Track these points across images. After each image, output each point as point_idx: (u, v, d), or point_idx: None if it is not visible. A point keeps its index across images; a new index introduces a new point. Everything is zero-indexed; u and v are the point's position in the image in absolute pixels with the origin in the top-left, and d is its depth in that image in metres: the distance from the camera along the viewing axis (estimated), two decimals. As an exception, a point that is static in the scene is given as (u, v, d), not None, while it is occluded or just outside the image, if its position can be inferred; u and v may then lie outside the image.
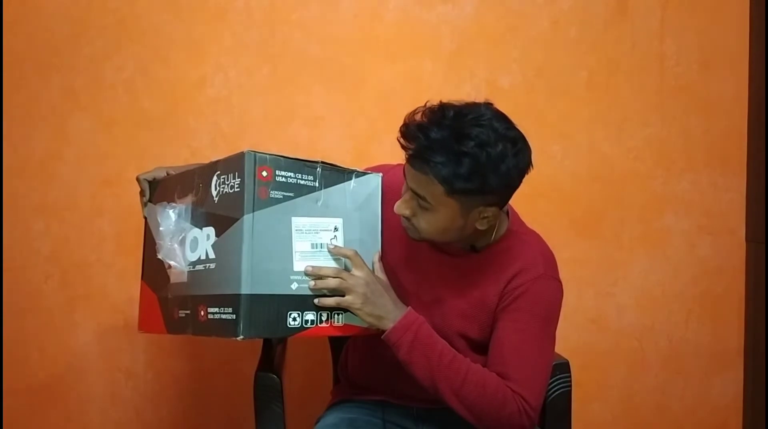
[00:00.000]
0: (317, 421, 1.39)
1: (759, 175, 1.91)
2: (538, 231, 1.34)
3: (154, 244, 1.30)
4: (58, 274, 1.85)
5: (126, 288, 1.84)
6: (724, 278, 1.97)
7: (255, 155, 1.12)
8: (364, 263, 1.19)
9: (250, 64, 1.84)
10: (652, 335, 1.97)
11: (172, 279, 1.26)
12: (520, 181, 1.18)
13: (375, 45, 1.87)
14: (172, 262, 1.25)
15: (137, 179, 1.38)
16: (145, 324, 1.39)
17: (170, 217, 1.26)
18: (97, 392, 1.87)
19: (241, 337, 1.10)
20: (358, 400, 1.40)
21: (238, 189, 1.13)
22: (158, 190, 1.35)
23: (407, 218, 1.20)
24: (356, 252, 1.19)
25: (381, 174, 1.28)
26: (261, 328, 1.12)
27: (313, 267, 1.16)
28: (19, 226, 1.83)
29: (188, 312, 1.21)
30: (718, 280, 1.97)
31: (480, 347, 1.26)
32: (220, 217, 1.16)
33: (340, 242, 1.20)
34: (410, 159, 1.14)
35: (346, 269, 1.18)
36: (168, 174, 1.35)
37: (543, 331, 1.22)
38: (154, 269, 1.32)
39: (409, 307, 1.20)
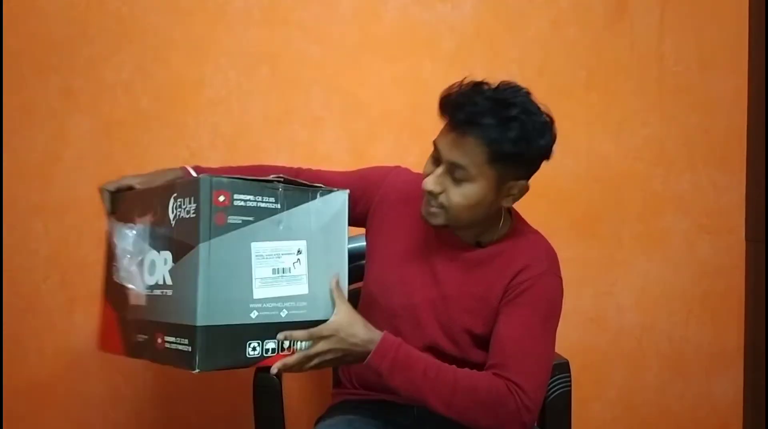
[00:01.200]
0: (317, 422, 1.39)
1: (758, 174, 1.91)
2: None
3: (116, 258, 1.26)
4: (57, 274, 1.85)
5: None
6: (724, 278, 1.97)
7: (211, 180, 1.08)
8: (323, 328, 1.15)
9: (249, 65, 1.84)
10: (652, 335, 1.97)
11: (131, 301, 1.22)
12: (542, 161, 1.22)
13: (374, 45, 1.87)
14: (129, 285, 1.21)
15: (99, 190, 1.32)
16: (105, 343, 1.33)
17: (128, 238, 1.22)
18: (96, 393, 1.87)
19: (197, 370, 1.06)
20: (358, 401, 1.40)
21: (194, 215, 1.08)
22: (122, 204, 1.30)
23: (435, 196, 1.19)
24: (309, 331, 1.15)
25: (348, 191, 1.24)
26: (219, 360, 1.09)
27: (285, 334, 1.14)
28: (18, 227, 1.83)
29: (146, 337, 1.17)
30: (718, 280, 1.97)
31: (484, 343, 1.26)
32: (177, 243, 1.12)
33: (303, 265, 1.16)
34: (457, 125, 1.15)
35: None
36: (131, 187, 1.30)
37: (545, 327, 1.23)
38: (115, 287, 1.27)
39: (384, 333, 1.18)
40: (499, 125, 1.13)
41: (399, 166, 1.41)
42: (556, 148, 1.22)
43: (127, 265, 1.21)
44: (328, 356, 1.15)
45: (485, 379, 1.16)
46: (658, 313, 1.97)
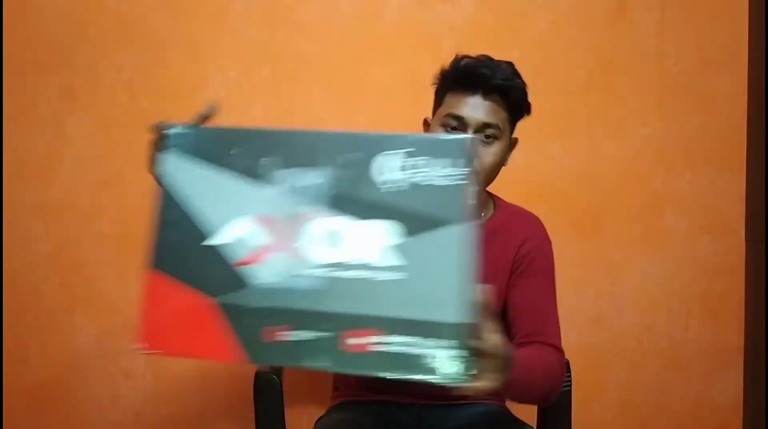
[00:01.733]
0: (316, 422, 1.39)
1: (759, 173, 1.91)
2: (537, 230, 1.37)
3: (189, 220, 0.89)
4: (57, 274, 1.85)
5: (126, 288, 1.84)
6: (724, 278, 1.97)
7: (477, 143, 0.84)
8: (500, 346, 0.94)
9: (249, 65, 1.84)
10: (652, 335, 1.97)
11: (259, 280, 0.86)
12: None
13: (374, 45, 1.87)
14: (275, 257, 0.86)
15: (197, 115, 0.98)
16: (164, 340, 0.90)
17: (271, 192, 0.87)
18: (96, 393, 1.88)
19: (465, 380, 0.81)
20: (359, 401, 1.40)
21: (460, 181, 0.83)
22: (209, 140, 0.93)
23: None
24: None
25: None
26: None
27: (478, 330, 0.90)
28: (18, 227, 1.83)
29: (322, 335, 0.84)
30: (718, 280, 1.97)
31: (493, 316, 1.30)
32: (412, 213, 0.85)
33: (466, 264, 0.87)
34: (479, 87, 1.27)
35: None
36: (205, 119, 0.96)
37: (553, 290, 1.35)
38: (191, 258, 0.88)
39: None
40: (510, 81, 1.29)
41: None
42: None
43: (268, 230, 0.87)
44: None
45: (545, 353, 1.22)
46: (658, 313, 1.96)
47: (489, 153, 1.27)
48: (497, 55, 1.88)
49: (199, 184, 0.90)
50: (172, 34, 1.83)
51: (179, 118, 1.85)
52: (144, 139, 1.81)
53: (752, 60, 1.94)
